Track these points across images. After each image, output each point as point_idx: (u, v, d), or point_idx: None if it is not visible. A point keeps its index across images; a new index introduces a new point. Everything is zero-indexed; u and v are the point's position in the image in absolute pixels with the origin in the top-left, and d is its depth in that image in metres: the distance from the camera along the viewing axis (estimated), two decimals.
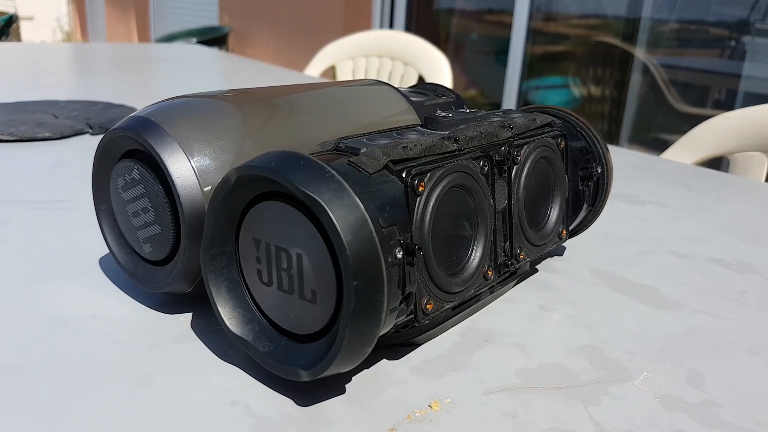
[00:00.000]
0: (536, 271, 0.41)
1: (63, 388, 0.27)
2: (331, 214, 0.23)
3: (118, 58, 1.45)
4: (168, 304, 0.34)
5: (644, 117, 2.13)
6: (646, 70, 2.08)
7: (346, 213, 0.23)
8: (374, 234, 0.23)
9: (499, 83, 2.48)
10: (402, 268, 0.25)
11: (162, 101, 0.33)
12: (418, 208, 0.27)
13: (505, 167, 0.33)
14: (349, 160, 0.26)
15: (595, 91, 2.26)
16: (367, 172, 0.26)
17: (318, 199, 0.23)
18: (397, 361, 0.30)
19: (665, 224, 0.51)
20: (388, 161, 0.26)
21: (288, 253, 0.25)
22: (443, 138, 0.30)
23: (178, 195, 0.29)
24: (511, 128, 0.34)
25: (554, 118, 0.40)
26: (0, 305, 0.33)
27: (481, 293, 0.33)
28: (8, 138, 0.67)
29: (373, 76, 1.66)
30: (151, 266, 0.33)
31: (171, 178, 0.29)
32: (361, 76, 1.68)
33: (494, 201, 0.32)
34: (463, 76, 2.88)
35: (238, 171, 0.25)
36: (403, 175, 0.26)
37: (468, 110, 0.35)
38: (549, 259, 0.43)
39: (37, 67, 1.25)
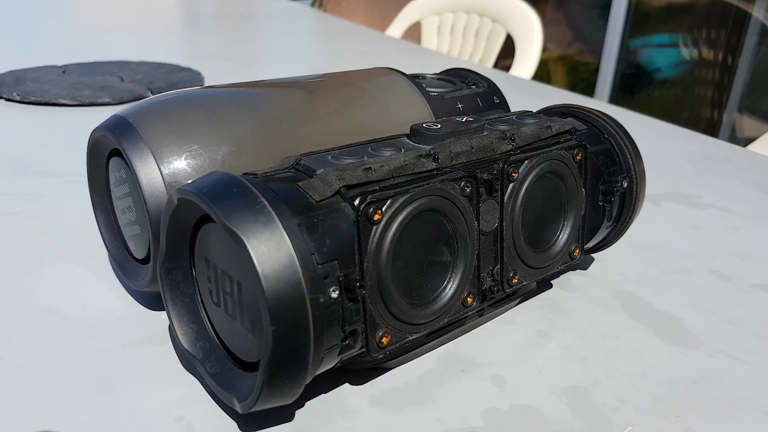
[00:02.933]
0: (550, 286, 0.38)
1: (28, 383, 0.28)
2: (251, 253, 0.21)
3: (205, 15, 1.47)
4: (157, 300, 0.35)
5: (760, 84, 1.94)
6: (765, 32, 1.88)
7: (268, 251, 0.21)
8: (300, 275, 0.22)
9: (602, 40, 2.32)
10: (341, 305, 0.24)
11: (151, 98, 0.32)
12: (373, 239, 0.25)
13: (497, 186, 0.30)
14: (297, 185, 0.24)
15: (706, 53, 2.07)
16: (314, 199, 0.24)
17: (239, 235, 0.21)
18: (359, 387, 0.29)
19: (720, 235, 0.46)
20: (341, 186, 0.25)
21: (230, 278, 0.24)
22: (420, 156, 0.27)
23: (145, 201, 0.29)
24: (513, 140, 0.31)
25: (579, 122, 0.36)
26: (2, 289, 0.35)
27: (463, 319, 0.31)
28: (70, 102, 0.70)
29: (459, 34, 1.60)
30: (136, 263, 0.33)
31: (139, 184, 0.29)
32: (446, 33, 1.62)
33: (479, 224, 0.29)
34: (567, 32, 2.72)
35: (177, 192, 0.24)
36: (356, 203, 0.24)
37: (465, 118, 0.32)
38: (570, 273, 0.40)
39: (131, 21, 1.29)
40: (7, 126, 0.62)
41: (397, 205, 0.25)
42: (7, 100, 0.71)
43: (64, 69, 0.84)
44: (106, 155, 0.33)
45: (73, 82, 0.77)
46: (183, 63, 0.92)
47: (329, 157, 0.27)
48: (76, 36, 1.12)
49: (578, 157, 0.33)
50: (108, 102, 0.71)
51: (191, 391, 0.28)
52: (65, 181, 0.50)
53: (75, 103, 0.70)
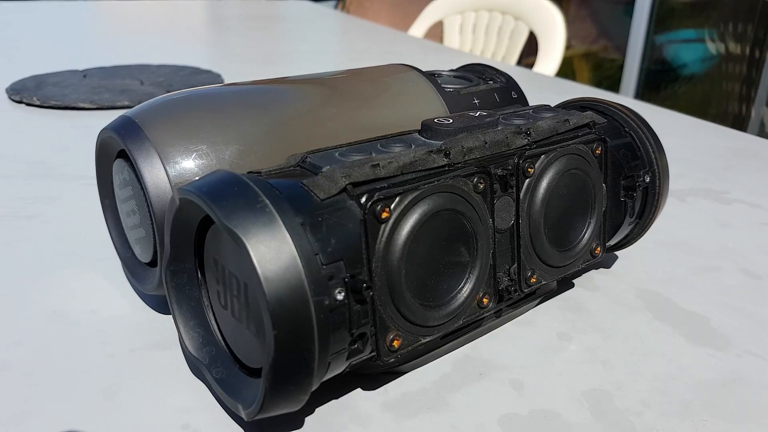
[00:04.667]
0: (572, 286, 0.37)
1: (34, 390, 0.27)
2: (251, 254, 0.20)
3: (229, 17, 1.48)
4: (167, 304, 0.34)
5: None
6: None
7: (269, 252, 0.21)
8: (303, 276, 0.21)
9: (627, 37, 2.29)
10: (348, 308, 0.23)
11: (159, 98, 0.32)
12: (381, 238, 0.24)
13: (512, 182, 0.29)
14: (301, 183, 0.24)
15: (733, 47, 2.02)
16: (318, 197, 0.23)
17: (239, 235, 0.21)
18: (371, 392, 0.28)
19: (748, 232, 0.44)
20: (347, 184, 0.24)
21: (237, 279, 0.24)
22: (431, 152, 0.26)
23: (151, 203, 0.28)
24: (529, 135, 0.30)
25: (599, 115, 0.35)
26: (14, 294, 0.35)
27: (480, 320, 0.30)
28: (89, 106, 0.70)
29: (481, 32, 1.59)
30: (145, 266, 0.33)
31: (144, 185, 0.28)
32: (469, 32, 1.61)
33: (494, 221, 0.28)
34: (591, 29, 2.68)
35: (179, 192, 0.23)
36: (363, 201, 0.23)
37: (479, 113, 0.30)
38: (592, 272, 0.38)
39: (155, 24, 1.30)
40: (28, 130, 0.63)
41: (406, 202, 0.24)
42: (28, 104, 0.72)
43: (85, 73, 0.85)
44: (114, 156, 0.33)
45: (94, 86, 0.78)
46: (204, 65, 0.93)
47: (336, 154, 0.26)
48: (99, 41, 1.13)
49: (598, 152, 0.32)
50: (127, 105, 0.71)
51: (198, 397, 0.27)
52: (83, 184, 0.50)
53: (94, 106, 0.70)
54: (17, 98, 0.72)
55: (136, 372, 0.29)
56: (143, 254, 0.32)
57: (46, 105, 0.71)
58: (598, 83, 2.42)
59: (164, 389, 0.28)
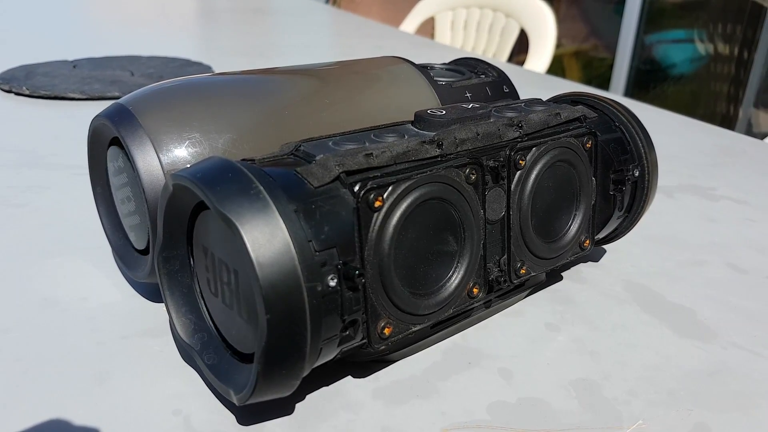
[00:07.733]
0: (560, 278, 0.37)
1: (23, 377, 0.27)
2: (245, 239, 0.21)
3: (220, 10, 1.47)
4: (159, 292, 0.34)
5: None
6: None
7: (263, 237, 0.21)
8: (296, 262, 0.21)
9: (617, 36, 2.30)
10: (340, 294, 0.23)
11: (153, 86, 0.32)
12: (374, 226, 0.24)
13: (503, 174, 0.29)
14: (295, 170, 0.24)
15: (722, 48, 2.04)
16: (312, 185, 0.23)
17: (233, 220, 0.21)
18: (362, 380, 0.28)
19: (735, 227, 0.45)
20: (341, 172, 0.24)
21: (227, 267, 0.24)
22: (423, 142, 0.26)
23: (144, 190, 0.28)
24: (520, 127, 0.30)
25: (590, 109, 0.35)
26: (4, 281, 0.35)
27: (470, 310, 0.30)
28: (79, 96, 0.70)
29: (472, 29, 1.59)
30: (136, 254, 0.33)
31: (138, 172, 0.28)
32: (460, 28, 1.61)
33: (485, 212, 0.28)
34: (582, 27, 2.69)
35: (172, 178, 0.23)
36: (356, 189, 0.24)
37: (472, 105, 0.31)
38: (581, 265, 0.39)
39: (146, 16, 1.29)
40: (17, 119, 0.62)
41: (399, 191, 0.25)
42: (17, 94, 0.71)
43: (75, 64, 0.84)
44: (107, 144, 0.33)
45: (84, 77, 0.77)
46: (195, 58, 0.92)
47: (330, 143, 0.26)
48: (89, 31, 1.12)
49: (588, 145, 0.32)
50: (117, 96, 0.71)
51: (190, 383, 0.27)
52: (73, 173, 0.50)
53: (84, 96, 0.70)
54: (6, 88, 0.72)
55: (127, 359, 0.29)
56: (138, 241, 0.32)
57: (35, 95, 0.70)
58: (588, 82, 2.43)
59: (155, 375, 0.28)
